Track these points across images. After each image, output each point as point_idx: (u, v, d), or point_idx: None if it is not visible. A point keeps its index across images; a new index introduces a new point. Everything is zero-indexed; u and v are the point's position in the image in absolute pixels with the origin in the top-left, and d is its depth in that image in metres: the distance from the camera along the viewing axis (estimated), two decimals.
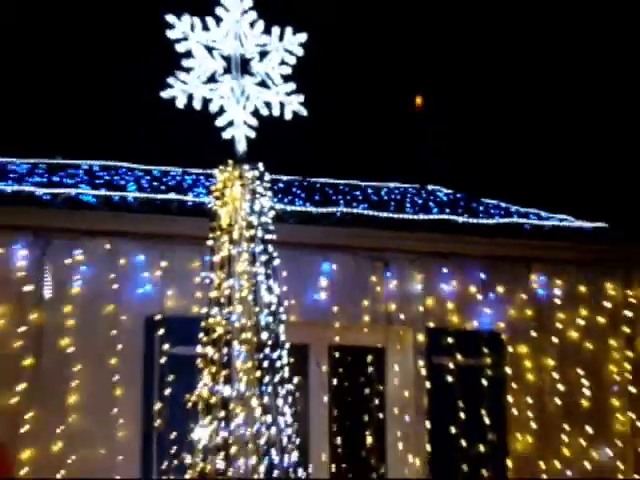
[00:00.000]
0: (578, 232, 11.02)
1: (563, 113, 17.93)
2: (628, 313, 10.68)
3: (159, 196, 10.19)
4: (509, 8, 18.35)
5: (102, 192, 10.12)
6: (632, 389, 10.52)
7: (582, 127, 17.54)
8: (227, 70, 7.50)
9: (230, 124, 7.48)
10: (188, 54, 7.41)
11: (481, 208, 11.80)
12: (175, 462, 8.64)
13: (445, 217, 10.88)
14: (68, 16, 16.80)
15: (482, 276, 10.38)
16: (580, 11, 18.25)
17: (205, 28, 7.45)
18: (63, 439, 9.12)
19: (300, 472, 7.18)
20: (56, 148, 12.31)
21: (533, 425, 10.20)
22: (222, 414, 7.05)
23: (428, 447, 9.98)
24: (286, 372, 7.28)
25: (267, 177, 7.50)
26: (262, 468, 6.99)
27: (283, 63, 7.56)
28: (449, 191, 13.09)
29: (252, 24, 7.54)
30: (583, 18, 18.43)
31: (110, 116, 15.31)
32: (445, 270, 10.32)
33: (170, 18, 7.38)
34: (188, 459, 7.18)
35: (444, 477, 9.93)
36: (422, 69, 14.72)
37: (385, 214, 10.65)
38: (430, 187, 13.33)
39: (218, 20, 7.48)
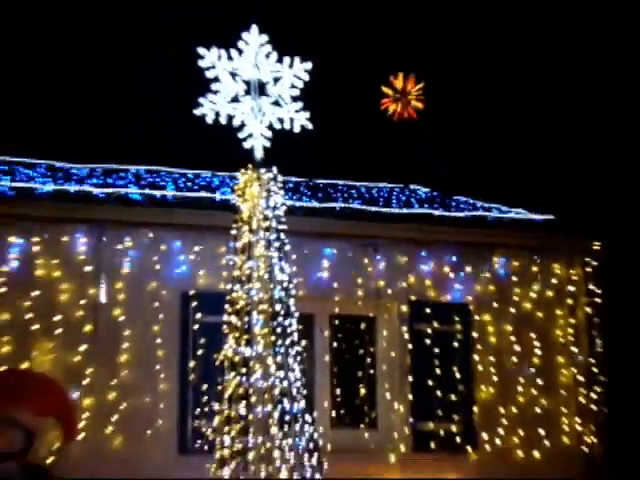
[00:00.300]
0: (531, 223, 11.02)
1: (528, 118, 17.50)
2: (571, 288, 10.68)
3: (192, 194, 10.22)
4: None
5: (146, 191, 10.15)
6: (574, 349, 10.54)
7: (537, 131, 17.16)
8: (247, 92, 7.51)
9: (250, 136, 7.51)
10: (215, 79, 7.44)
11: (453, 204, 11.78)
12: (206, 409, 8.71)
13: (424, 211, 10.88)
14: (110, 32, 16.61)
15: (453, 258, 10.38)
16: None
17: (229, 58, 7.47)
18: (116, 390, 9.19)
19: (307, 416, 7.24)
20: (110, 154, 12.32)
21: (494, 378, 10.22)
22: (244, 370, 7.12)
23: (410, 397, 10.00)
24: (295, 336, 7.30)
25: (279, 178, 7.52)
26: (276, 414, 7.07)
27: (293, 86, 7.58)
28: (427, 190, 13.08)
29: (267, 55, 7.54)
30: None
31: (154, 129, 15.26)
32: (424, 254, 10.31)
33: (201, 50, 7.41)
34: (216, 406, 7.26)
35: (423, 420, 9.97)
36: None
37: (375, 208, 10.64)
38: (412, 186, 13.32)
39: (240, 52, 7.49)
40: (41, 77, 16.25)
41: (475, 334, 10.33)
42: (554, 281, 10.64)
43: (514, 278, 10.54)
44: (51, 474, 5.47)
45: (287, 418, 7.05)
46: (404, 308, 10.22)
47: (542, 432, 10.17)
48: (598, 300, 10.67)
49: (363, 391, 10.07)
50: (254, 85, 7.55)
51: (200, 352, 9.30)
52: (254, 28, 7.56)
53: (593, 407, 10.35)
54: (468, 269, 10.41)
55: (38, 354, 9.11)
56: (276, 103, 7.58)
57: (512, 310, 10.44)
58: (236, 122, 7.49)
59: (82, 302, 9.32)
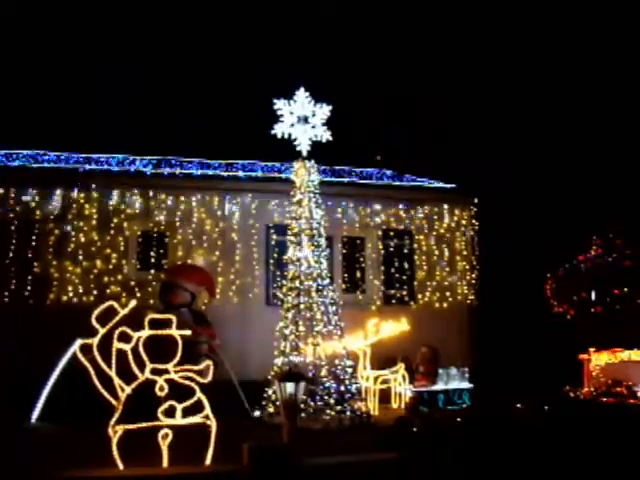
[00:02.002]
0: (444, 188, 10.77)
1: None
2: (463, 222, 10.44)
3: (273, 175, 10.12)
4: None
5: (249, 173, 10.08)
6: (465, 252, 10.34)
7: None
8: (298, 121, 7.40)
9: (300, 144, 7.42)
10: (282, 115, 7.34)
11: (404, 179, 11.51)
12: (278, 283, 8.75)
13: (389, 182, 10.73)
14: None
15: (403, 206, 10.23)
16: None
17: (289, 105, 7.37)
18: (233, 274, 9.27)
19: (330, 287, 7.23)
20: (232, 154, 11.82)
21: (425, 267, 10.17)
22: (297, 264, 7.16)
23: (382, 277, 9.98)
24: (324, 246, 7.32)
25: (315, 165, 7.44)
26: (314, 285, 7.09)
27: (322, 118, 7.47)
28: (390, 171, 12.73)
29: (308, 102, 7.42)
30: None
31: (261, 140, 13.93)
32: (390, 204, 10.18)
33: (275, 100, 7.34)
34: (283, 282, 7.30)
35: (388, 289, 9.96)
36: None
37: (365, 181, 10.50)
38: (383, 169, 12.99)
39: (295, 101, 7.38)
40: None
41: (415, 245, 10.22)
42: (455, 218, 10.47)
43: (435, 217, 10.37)
44: (203, 314, 5.62)
45: (320, 287, 7.13)
46: (379, 232, 10.11)
47: (448, 294, 10.15)
48: (476, 228, 10.53)
49: (358, 274, 10.01)
50: (302, 117, 7.43)
51: (275, 255, 9.32)
52: (302, 89, 7.47)
53: (473, 281, 10.32)
54: (412, 212, 10.26)
55: (195, 256, 9.20)
56: (313, 127, 7.46)
57: (434, 233, 10.29)
58: (293, 137, 7.41)
59: (217, 229, 9.36)
